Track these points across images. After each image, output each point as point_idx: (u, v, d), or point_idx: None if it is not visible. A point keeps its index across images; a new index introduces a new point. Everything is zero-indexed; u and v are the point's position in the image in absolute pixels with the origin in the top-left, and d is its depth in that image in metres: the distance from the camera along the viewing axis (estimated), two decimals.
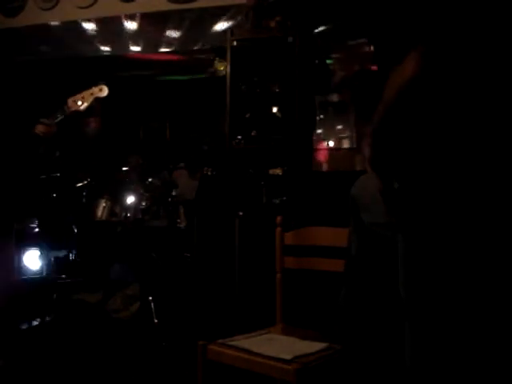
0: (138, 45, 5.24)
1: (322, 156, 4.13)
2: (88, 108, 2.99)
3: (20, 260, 3.68)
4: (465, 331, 1.10)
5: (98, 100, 3.02)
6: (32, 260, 3.75)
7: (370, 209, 1.61)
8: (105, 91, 3.01)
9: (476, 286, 1.09)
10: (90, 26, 4.71)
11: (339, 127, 4.42)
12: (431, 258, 1.12)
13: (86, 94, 2.99)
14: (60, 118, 2.94)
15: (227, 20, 4.31)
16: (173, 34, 4.86)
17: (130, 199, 3.52)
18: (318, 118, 3.98)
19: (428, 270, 1.13)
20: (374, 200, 1.57)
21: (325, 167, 4.21)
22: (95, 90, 3.01)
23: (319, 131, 4.14)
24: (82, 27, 4.71)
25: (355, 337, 1.67)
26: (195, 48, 5.17)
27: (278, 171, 3.56)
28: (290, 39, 3.48)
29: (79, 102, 2.95)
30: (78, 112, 2.97)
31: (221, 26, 4.45)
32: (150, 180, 3.62)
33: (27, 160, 2.91)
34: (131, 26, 4.69)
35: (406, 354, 1.18)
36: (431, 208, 1.12)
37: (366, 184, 1.67)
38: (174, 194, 3.75)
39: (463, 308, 1.10)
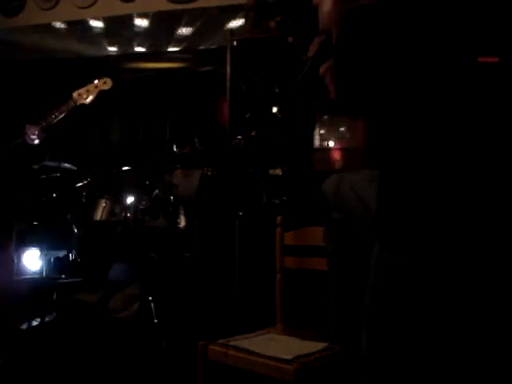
0: (139, 44, 5.24)
1: (322, 156, 4.13)
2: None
3: (20, 260, 3.67)
4: (423, 350, 1.06)
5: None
6: (32, 260, 3.75)
7: (342, 207, 1.58)
8: (109, 84, 3.01)
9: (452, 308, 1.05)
10: (90, 26, 4.72)
11: (340, 127, 4.41)
12: (409, 271, 1.07)
13: (90, 87, 2.99)
14: (66, 111, 2.94)
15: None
16: (175, 33, 4.87)
17: (130, 199, 3.51)
18: (318, 117, 3.97)
19: (401, 282, 1.08)
20: (346, 198, 1.55)
21: (325, 167, 4.20)
22: (99, 83, 3.00)
23: (320, 131, 4.14)
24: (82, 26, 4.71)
25: (351, 337, 1.66)
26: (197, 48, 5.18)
27: (278, 171, 3.56)
28: (290, 39, 3.49)
29: (84, 96, 2.95)
30: (83, 105, 2.97)
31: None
32: (147, 183, 3.60)
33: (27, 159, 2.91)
34: (132, 25, 4.69)
35: (361, 356, 1.15)
36: (417, 221, 1.07)
37: (337, 182, 1.63)
38: (174, 194, 3.74)
39: (427, 327, 1.06)
